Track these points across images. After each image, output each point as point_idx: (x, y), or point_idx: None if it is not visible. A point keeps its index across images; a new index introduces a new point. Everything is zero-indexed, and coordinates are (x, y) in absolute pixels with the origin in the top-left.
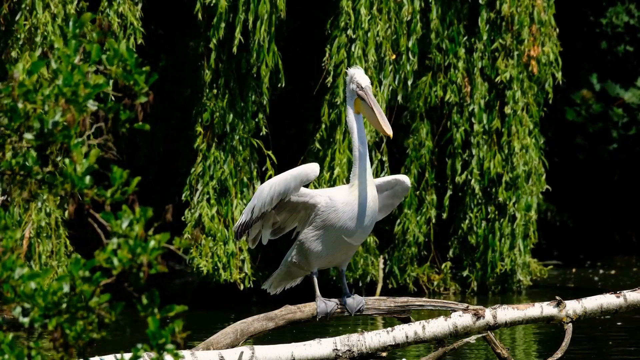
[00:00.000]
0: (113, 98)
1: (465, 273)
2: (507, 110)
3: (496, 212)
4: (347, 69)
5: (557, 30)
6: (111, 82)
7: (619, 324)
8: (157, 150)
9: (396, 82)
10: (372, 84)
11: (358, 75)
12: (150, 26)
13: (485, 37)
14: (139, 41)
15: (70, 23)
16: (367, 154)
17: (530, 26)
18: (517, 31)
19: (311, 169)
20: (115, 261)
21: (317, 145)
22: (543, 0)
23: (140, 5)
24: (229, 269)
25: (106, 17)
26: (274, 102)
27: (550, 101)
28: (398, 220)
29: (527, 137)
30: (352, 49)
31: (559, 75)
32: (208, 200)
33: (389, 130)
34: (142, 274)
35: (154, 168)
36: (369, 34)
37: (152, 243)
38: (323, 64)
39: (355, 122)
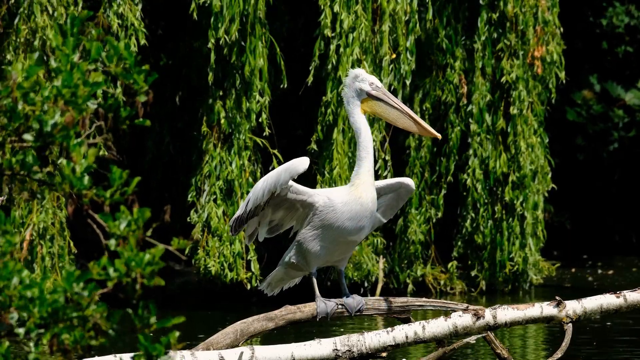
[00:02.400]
0: (112, 94)
1: (473, 273)
2: (513, 110)
3: (503, 212)
4: (349, 70)
5: (562, 29)
6: (111, 79)
7: (609, 324)
8: (164, 152)
9: (396, 82)
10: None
11: (367, 75)
12: (151, 26)
13: (486, 37)
14: (142, 42)
15: (68, 21)
16: (373, 156)
17: (534, 26)
18: (521, 31)
19: (300, 161)
20: (112, 272)
21: (314, 146)
22: (547, 0)
23: (140, 6)
24: (235, 269)
25: (106, 18)
26: (279, 102)
27: (554, 101)
28: (401, 220)
29: (532, 136)
30: (342, 49)
31: (562, 74)
32: (215, 200)
33: (435, 132)
34: (137, 286)
35: (160, 170)
36: (353, 34)
37: (146, 257)
38: (310, 67)
39: (364, 123)
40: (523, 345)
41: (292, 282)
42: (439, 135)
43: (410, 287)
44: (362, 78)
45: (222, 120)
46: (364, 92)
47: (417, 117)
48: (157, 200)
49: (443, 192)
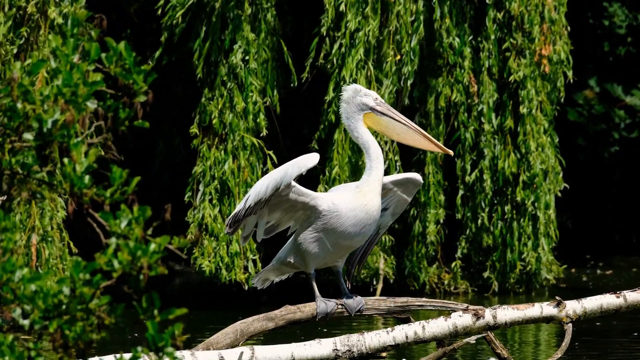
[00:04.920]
0: (110, 96)
1: (486, 274)
2: (523, 109)
3: (514, 212)
4: (348, 84)
5: (569, 28)
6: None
7: (598, 324)
8: (176, 154)
9: (401, 83)
10: (370, 84)
11: (367, 90)
12: (152, 25)
13: (492, 37)
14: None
15: (69, 21)
16: (383, 165)
17: (541, 25)
18: (528, 30)
19: (309, 157)
20: (116, 263)
21: (315, 145)
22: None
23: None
24: (233, 269)
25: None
26: (286, 101)
27: (562, 100)
28: (418, 222)
29: (542, 135)
30: (342, 49)
31: (570, 73)
32: (210, 200)
33: (446, 148)
34: (142, 276)
35: (170, 171)
36: (359, 33)
37: (152, 246)
38: (317, 64)
39: (370, 135)
40: (523, 345)
41: (283, 276)
42: (450, 152)
43: (428, 287)
44: (364, 93)
45: (215, 120)
46: (367, 107)
47: (426, 133)
48: (158, 200)
49: (460, 192)
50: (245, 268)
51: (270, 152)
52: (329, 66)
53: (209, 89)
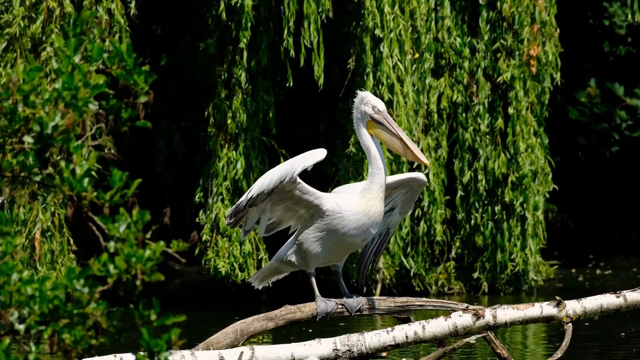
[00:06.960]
0: (112, 96)
1: (475, 275)
2: (511, 110)
3: (503, 213)
4: (361, 91)
5: (558, 30)
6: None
7: (587, 324)
8: (177, 153)
9: (421, 82)
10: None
11: (372, 98)
12: (151, 26)
13: (486, 38)
14: (126, 40)
15: (71, 21)
16: (384, 171)
17: (531, 26)
18: (518, 31)
19: (317, 152)
20: (111, 268)
21: (353, 149)
22: (544, 0)
23: (133, 4)
24: (246, 269)
25: (95, 13)
26: (284, 102)
27: (547, 101)
28: (423, 222)
29: (532, 136)
30: (381, 48)
31: (557, 75)
32: (222, 200)
33: (424, 159)
34: (137, 282)
35: (171, 171)
36: (392, 34)
37: (147, 252)
38: (348, 66)
39: (372, 142)
40: (523, 345)
41: (280, 276)
42: (427, 162)
43: (434, 288)
44: (366, 101)
45: (229, 120)
46: (367, 115)
47: (410, 143)
48: (157, 201)
49: (459, 193)
50: (258, 268)
51: (283, 150)
52: (367, 67)
53: (223, 87)
